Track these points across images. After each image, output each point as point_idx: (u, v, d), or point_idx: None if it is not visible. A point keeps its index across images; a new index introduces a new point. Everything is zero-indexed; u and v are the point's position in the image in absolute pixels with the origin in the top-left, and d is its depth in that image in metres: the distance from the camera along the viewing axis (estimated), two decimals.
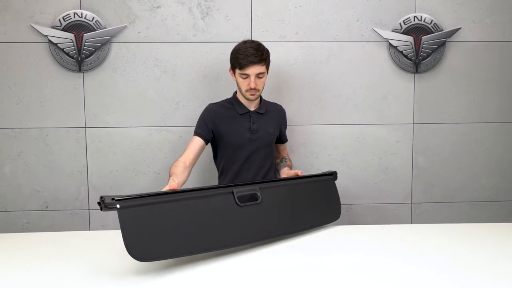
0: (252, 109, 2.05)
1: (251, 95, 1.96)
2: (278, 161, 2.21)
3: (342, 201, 1.90)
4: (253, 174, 2.04)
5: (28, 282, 1.28)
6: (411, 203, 2.49)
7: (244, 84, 1.95)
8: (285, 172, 2.07)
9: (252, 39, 2.27)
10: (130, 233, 1.29)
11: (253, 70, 1.90)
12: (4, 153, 2.32)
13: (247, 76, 1.92)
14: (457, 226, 1.93)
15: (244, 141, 2.03)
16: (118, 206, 1.29)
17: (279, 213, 1.67)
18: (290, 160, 2.22)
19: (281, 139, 2.19)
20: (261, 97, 2.10)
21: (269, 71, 2.01)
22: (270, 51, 1.97)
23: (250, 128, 2.03)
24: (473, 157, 2.49)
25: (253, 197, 1.63)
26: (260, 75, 1.94)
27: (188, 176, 1.91)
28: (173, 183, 1.66)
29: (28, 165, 2.33)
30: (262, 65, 1.92)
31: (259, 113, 2.06)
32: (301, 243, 1.62)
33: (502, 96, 2.45)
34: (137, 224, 1.32)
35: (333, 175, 1.93)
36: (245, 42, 1.96)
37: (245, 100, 2.02)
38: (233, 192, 1.55)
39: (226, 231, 1.49)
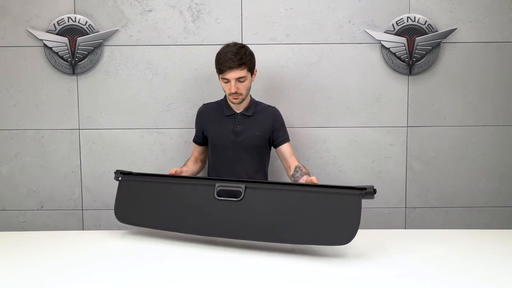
0: (238, 111, 2.05)
1: (234, 99, 1.96)
2: (292, 172, 2.00)
3: None
4: (237, 177, 2.01)
5: (23, 279, 1.32)
6: (405, 207, 2.43)
7: (226, 88, 1.96)
8: (304, 180, 1.83)
9: (242, 41, 2.28)
10: (119, 200, 1.72)
11: (232, 74, 1.89)
12: (2, 153, 2.39)
13: (228, 80, 1.92)
14: (454, 232, 1.87)
15: (227, 143, 2.03)
16: (120, 178, 1.75)
17: (264, 217, 1.56)
18: (305, 167, 2.02)
19: (274, 142, 2.10)
20: (252, 99, 2.09)
21: (257, 73, 1.99)
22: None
23: (233, 130, 2.03)
24: (470, 161, 2.41)
25: (234, 194, 1.60)
26: (241, 79, 1.91)
27: (203, 167, 2.20)
28: (178, 169, 1.89)
29: (25, 165, 2.40)
30: (242, 69, 1.90)
31: (245, 115, 2.05)
32: (289, 247, 1.59)
33: (500, 99, 2.37)
34: (129, 194, 1.72)
35: (363, 190, 1.54)
36: (227, 45, 1.94)
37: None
38: (215, 185, 1.61)
39: (200, 219, 1.61)
